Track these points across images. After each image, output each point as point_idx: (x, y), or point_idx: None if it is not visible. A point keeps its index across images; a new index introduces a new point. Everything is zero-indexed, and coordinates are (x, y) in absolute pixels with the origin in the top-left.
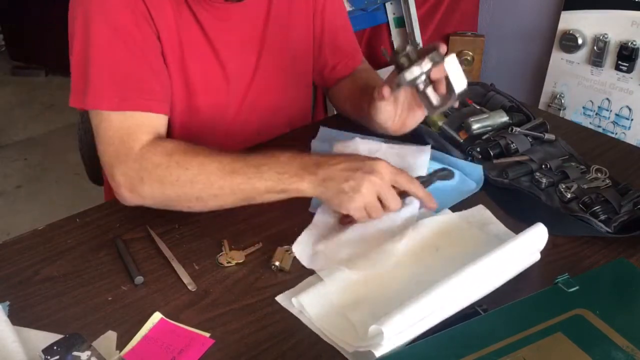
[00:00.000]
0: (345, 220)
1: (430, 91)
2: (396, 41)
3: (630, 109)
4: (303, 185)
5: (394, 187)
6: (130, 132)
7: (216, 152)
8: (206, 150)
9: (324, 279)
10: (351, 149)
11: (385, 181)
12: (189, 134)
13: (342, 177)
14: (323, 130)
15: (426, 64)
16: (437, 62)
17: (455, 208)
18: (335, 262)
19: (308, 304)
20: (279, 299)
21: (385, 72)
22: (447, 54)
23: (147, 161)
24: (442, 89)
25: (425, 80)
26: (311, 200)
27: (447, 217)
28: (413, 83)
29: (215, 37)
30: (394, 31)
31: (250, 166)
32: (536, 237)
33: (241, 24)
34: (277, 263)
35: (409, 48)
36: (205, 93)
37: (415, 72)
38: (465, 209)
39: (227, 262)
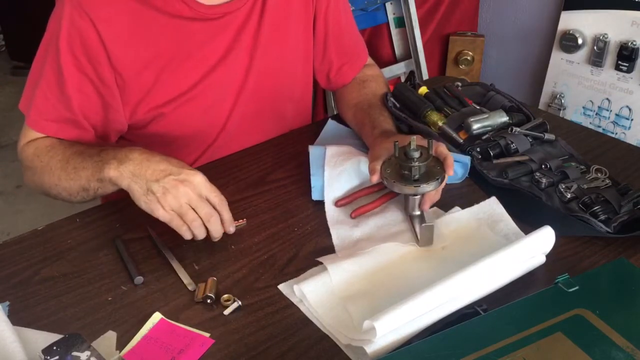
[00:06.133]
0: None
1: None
2: (396, 41)
3: (630, 109)
4: (111, 173)
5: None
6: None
7: (69, 145)
8: (63, 145)
9: (328, 269)
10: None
11: (196, 192)
12: (183, 136)
13: (153, 176)
14: (330, 124)
15: (429, 186)
16: (440, 183)
17: (465, 204)
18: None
19: (309, 292)
20: (281, 287)
21: (386, 72)
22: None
23: (24, 154)
24: (426, 206)
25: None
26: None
27: (456, 215)
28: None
29: (203, 41)
30: (394, 31)
31: (81, 156)
32: (543, 240)
33: (229, 27)
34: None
35: (416, 162)
36: (196, 96)
37: (418, 191)
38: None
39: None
